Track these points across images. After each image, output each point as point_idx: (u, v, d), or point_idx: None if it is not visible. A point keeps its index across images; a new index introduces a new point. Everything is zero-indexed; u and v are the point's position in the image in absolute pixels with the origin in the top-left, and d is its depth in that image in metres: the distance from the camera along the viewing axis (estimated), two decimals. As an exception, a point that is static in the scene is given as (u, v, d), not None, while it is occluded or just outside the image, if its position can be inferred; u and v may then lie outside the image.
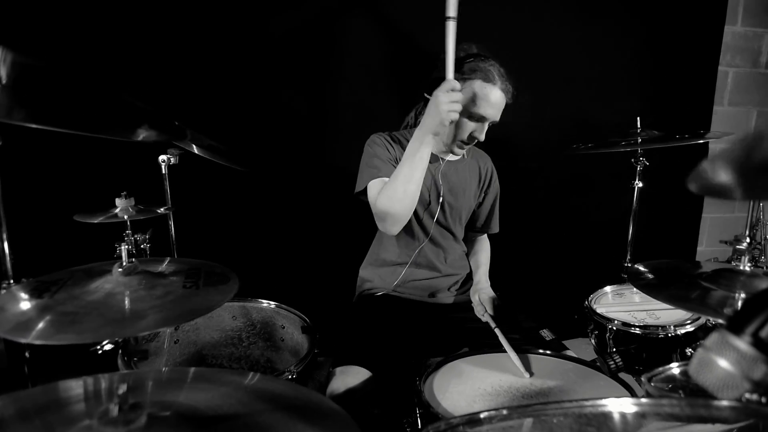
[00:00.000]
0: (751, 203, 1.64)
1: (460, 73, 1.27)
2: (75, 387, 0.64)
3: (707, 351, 0.47)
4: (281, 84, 1.90)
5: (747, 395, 0.46)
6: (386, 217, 1.27)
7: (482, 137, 1.34)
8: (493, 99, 1.29)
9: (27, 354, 0.97)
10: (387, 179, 1.30)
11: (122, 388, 0.53)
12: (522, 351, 1.12)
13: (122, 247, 0.82)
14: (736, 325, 0.46)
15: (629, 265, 1.69)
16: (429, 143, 1.21)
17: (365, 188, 1.35)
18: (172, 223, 1.57)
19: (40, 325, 0.71)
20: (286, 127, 1.94)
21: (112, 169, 1.72)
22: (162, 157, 1.48)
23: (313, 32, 1.88)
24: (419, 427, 1.02)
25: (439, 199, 1.45)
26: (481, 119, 1.31)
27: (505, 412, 0.64)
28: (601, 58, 2.11)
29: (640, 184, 1.66)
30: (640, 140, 1.53)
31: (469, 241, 1.64)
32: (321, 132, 1.99)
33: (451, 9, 1.14)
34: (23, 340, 0.68)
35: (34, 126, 0.59)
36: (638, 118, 1.58)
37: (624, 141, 1.55)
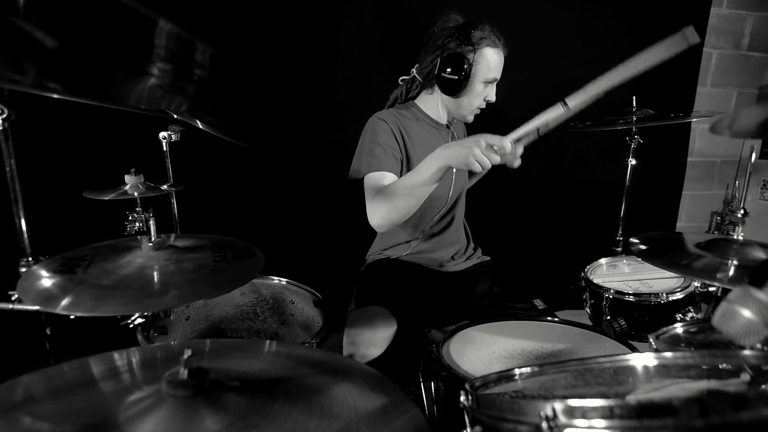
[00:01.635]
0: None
1: (471, 44, 1.32)
2: (100, 363, 0.64)
3: (731, 303, 0.52)
4: (279, 60, 1.87)
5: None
6: (381, 227, 1.28)
7: (494, 97, 1.41)
8: (500, 61, 1.38)
9: (48, 331, 0.97)
10: (387, 173, 1.30)
11: (187, 353, 0.55)
12: (524, 318, 1.21)
13: (151, 223, 0.82)
14: (757, 280, 0.52)
15: (621, 239, 1.78)
16: (443, 171, 1.13)
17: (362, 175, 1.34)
18: (174, 201, 1.55)
19: (79, 298, 0.71)
20: (287, 104, 1.92)
21: (115, 146, 1.68)
22: (162, 134, 1.44)
23: (312, 7, 1.85)
24: (423, 395, 1.07)
25: (451, 186, 1.47)
26: (492, 81, 1.38)
27: (536, 368, 0.70)
28: (592, 39, 2.14)
29: (634, 162, 1.73)
30: (635, 119, 1.59)
31: None
32: (321, 108, 1.97)
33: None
34: (64, 312, 0.69)
35: (39, 93, 0.58)
36: (634, 98, 1.63)
37: (621, 119, 1.60)
